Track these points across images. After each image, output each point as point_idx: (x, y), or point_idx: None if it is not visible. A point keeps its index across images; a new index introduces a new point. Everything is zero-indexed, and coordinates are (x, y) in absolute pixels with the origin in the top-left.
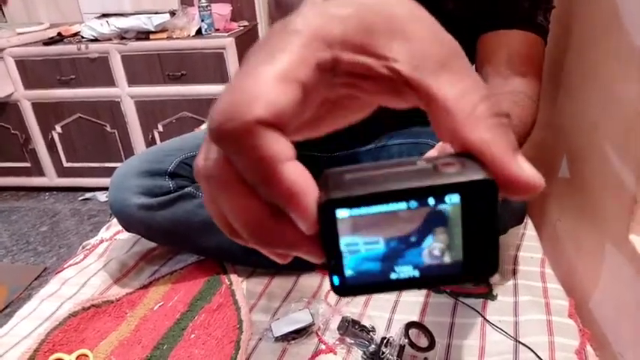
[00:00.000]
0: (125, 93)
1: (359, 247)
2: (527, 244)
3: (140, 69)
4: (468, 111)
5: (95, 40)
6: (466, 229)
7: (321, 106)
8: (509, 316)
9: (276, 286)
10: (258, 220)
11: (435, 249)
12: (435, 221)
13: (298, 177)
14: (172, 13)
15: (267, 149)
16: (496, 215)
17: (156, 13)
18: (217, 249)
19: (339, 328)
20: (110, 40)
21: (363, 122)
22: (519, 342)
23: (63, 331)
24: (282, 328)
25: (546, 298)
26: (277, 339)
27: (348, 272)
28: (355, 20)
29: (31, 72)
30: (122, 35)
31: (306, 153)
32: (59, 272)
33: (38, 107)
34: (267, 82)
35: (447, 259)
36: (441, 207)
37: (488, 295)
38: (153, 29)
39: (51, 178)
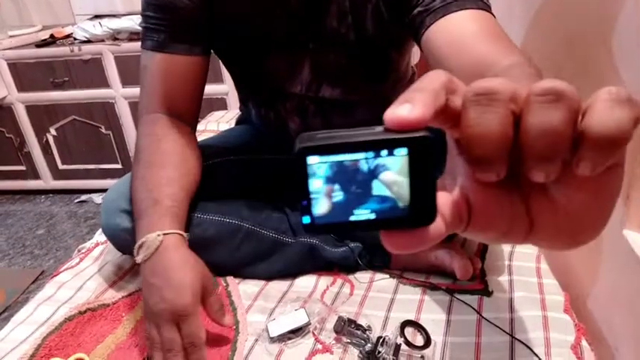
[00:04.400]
0: (119, 94)
1: (325, 190)
2: None
3: (134, 70)
4: None
5: (88, 41)
6: (411, 178)
7: None
8: (505, 313)
9: (272, 287)
10: None
11: (387, 196)
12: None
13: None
14: None
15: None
16: (434, 168)
17: None
18: (213, 265)
19: (335, 328)
20: (103, 41)
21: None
22: (515, 338)
23: (59, 336)
24: (279, 328)
25: (542, 294)
26: (274, 339)
27: (315, 212)
28: None
29: (24, 74)
30: (115, 36)
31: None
32: (55, 276)
33: (32, 110)
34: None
35: (396, 206)
36: (392, 158)
37: (484, 291)
38: None
39: (46, 181)
